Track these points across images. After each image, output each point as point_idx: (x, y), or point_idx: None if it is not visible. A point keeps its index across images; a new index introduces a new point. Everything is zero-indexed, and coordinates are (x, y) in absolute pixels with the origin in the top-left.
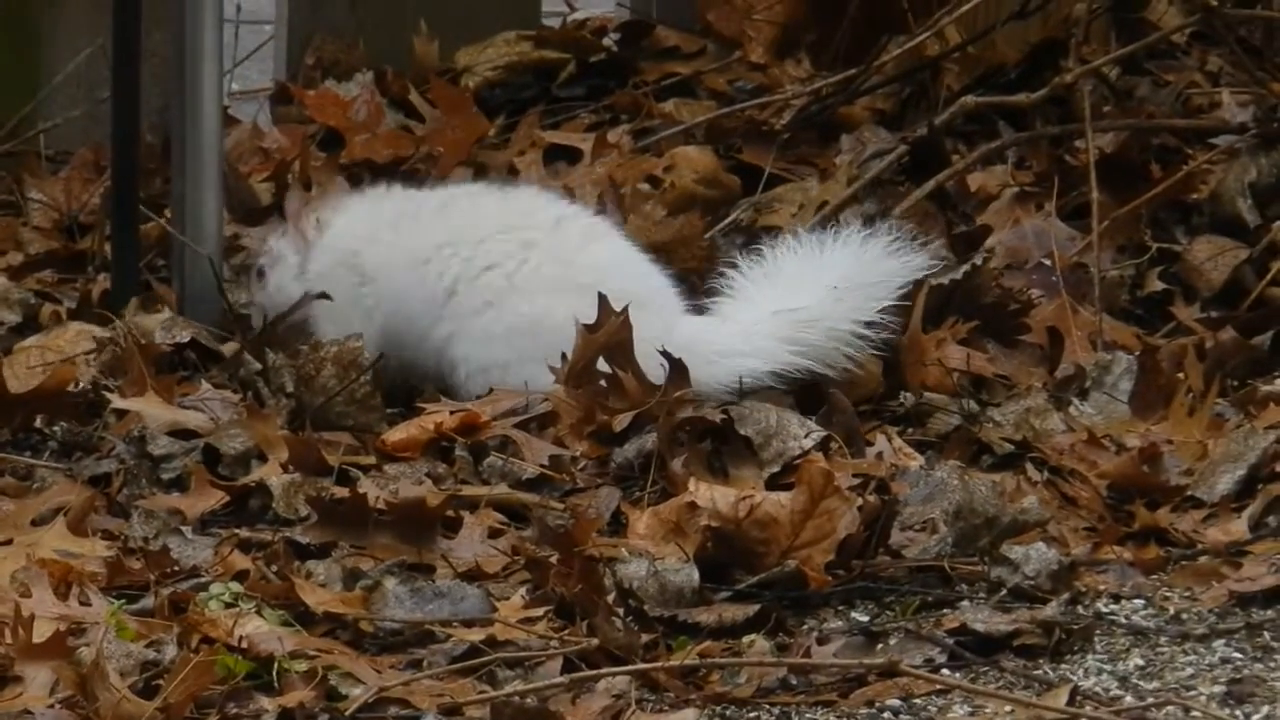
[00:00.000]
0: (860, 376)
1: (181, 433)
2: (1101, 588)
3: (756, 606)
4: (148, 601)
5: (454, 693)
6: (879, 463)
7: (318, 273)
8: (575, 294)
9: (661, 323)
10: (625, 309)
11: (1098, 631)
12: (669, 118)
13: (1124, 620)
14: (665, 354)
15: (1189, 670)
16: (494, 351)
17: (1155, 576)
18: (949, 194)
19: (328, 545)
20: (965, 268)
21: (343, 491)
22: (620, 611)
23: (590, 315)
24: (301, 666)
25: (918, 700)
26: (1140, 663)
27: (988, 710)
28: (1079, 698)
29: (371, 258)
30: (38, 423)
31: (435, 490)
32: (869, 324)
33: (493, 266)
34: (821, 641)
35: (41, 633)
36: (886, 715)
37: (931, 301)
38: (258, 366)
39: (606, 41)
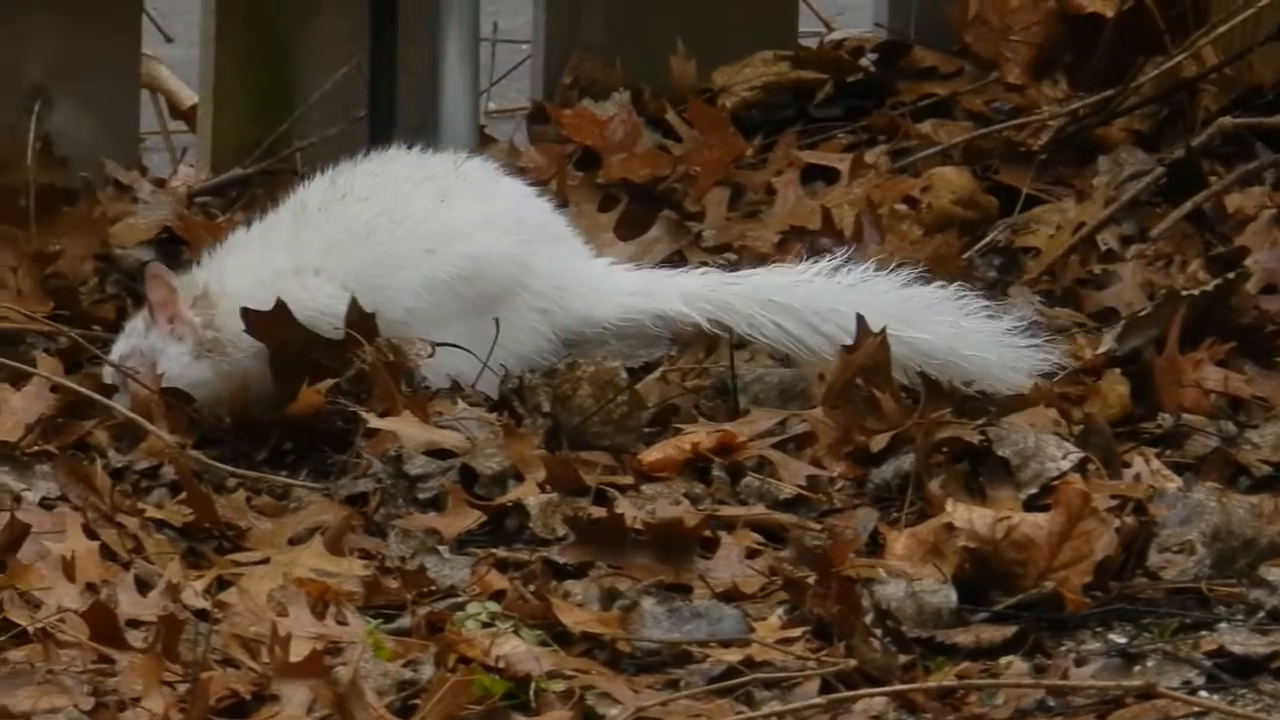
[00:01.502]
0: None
1: (438, 452)
2: None
3: (1014, 628)
4: (404, 621)
5: (711, 713)
6: (1136, 484)
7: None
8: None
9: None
10: (883, 331)
11: None
12: (926, 138)
13: None
14: (922, 375)
15: None
16: None
17: None
18: (1206, 215)
19: (585, 565)
20: (1217, 281)
21: (600, 511)
22: (878, 632)
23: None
24: (558, 686)
25: None
26: None
27: None
28: None
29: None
30: (288, 445)
31: (692, 510)
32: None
33: None
34: (1079, 663)
35: (298, 652)
36: None
37: (1187, 322)
38: (513, 386)
39: (864, 62)
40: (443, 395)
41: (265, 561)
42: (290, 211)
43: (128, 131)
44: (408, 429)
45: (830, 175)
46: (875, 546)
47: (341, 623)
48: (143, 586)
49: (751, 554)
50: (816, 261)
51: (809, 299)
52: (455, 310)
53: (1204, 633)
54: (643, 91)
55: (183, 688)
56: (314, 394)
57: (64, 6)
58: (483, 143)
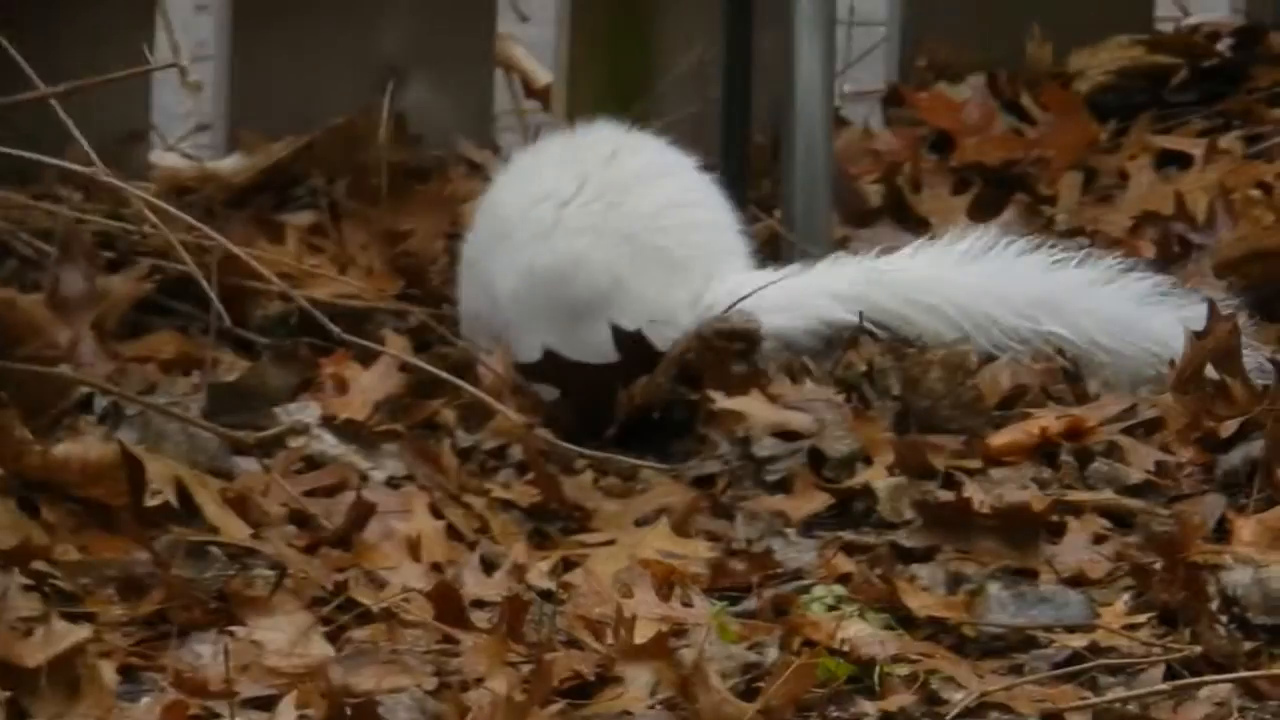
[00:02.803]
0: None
1: (786, 434)
2: None
3: None
4: (750, 603)
5: (1055, 698)
6: None
7: None
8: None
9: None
10: (1233, 315)
11: None
12: None
13: None
14: (1275, 362)
15: None
16: None
17: None
18: None
19: (931, 549)
20: None
21: (947, 495)
22: (1223, 619)
23: None
24: (903, 670)
25: None
26: None
27: None
28: None
29: None
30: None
31: (1039, 495)
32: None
33: None
34: None
35: (643, 633)
36: None
37: None
38: (863, 368)
39: (1220, 47)
40: (782, 375)
41: (611, 543)
42: None
43: (481, 110)
44: (756, 409)
45: (1184, 160)
46: (1222, 533)
47: (687, 605)
48: (488, 567)
49: (1098, 539)
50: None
51: (950, 298)
52: (543, 309)
53: None
54: (997, 75)
55: (526, 668)
56: (637, 398)
57: None
58: (837, 125)
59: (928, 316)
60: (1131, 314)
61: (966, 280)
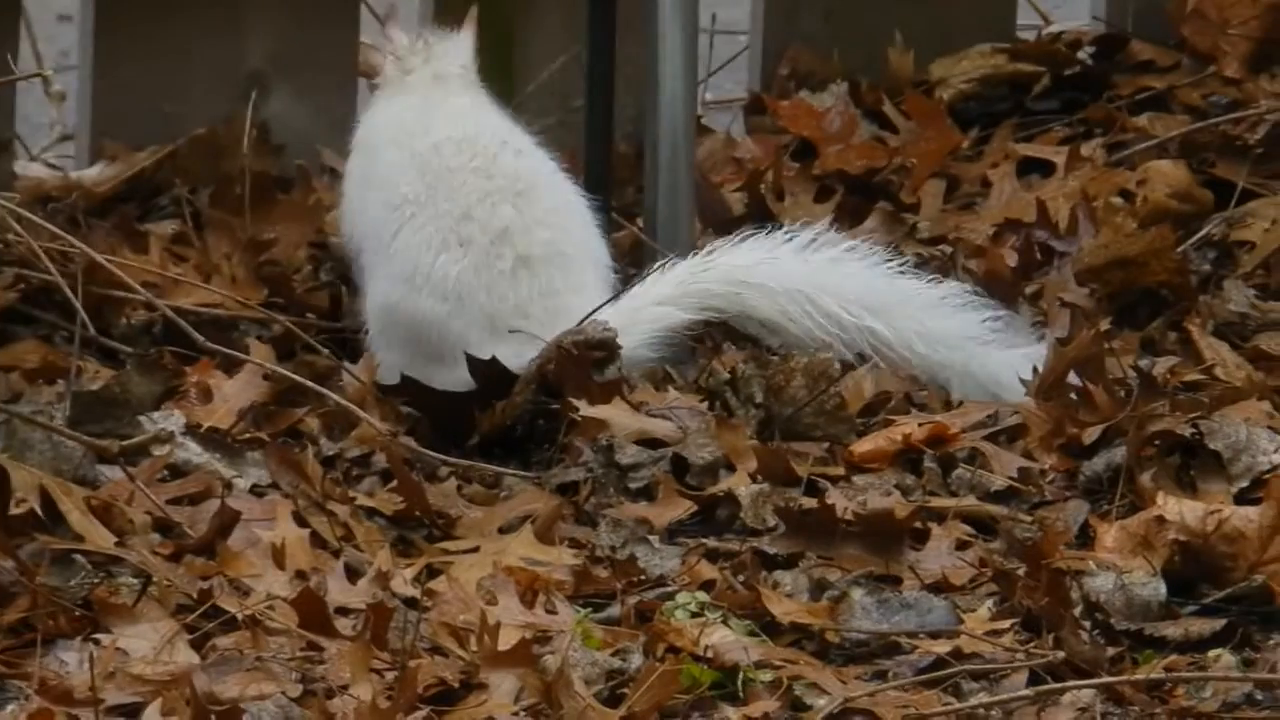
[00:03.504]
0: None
1: (649, 442)
2: None
3: (1223, 621)
4: (614, 610)
5: (919, 704)
6: None
7: None
8: None
9: None
10: (1098, 325)
11: None
12: (1142, 132)
13: None
14: (1137, 368)
15: None
16: None
17: None
18: None
19: (795, 556)
20: None
21: (811, 502)
22: (1087, 624)
23: None
24: (767, 676)
25: None
26: None
27: None
28: None
29: None
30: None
31: (903, 501)
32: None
33: None
34: None
35: (507, 640)
36: None
37: None
38: (726, 376)
39: (1081, 55)
40: (647, 383)
41: (475, 550)
42: None
43: (344, 119)
44: (618, 417)
45: (1046, 168)
46: (1085, 539)
47: (551, 611)
48: (352, 574)
49: (961, 545)
50: (788, 235)
51: (776, 278)
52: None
53: None
54: (860, 83)
55: (391, 675)
56: (496, 418)
57: None
58: (700, 133)
59: (755, 294)
60: (959, 336)
61: (794, 266)
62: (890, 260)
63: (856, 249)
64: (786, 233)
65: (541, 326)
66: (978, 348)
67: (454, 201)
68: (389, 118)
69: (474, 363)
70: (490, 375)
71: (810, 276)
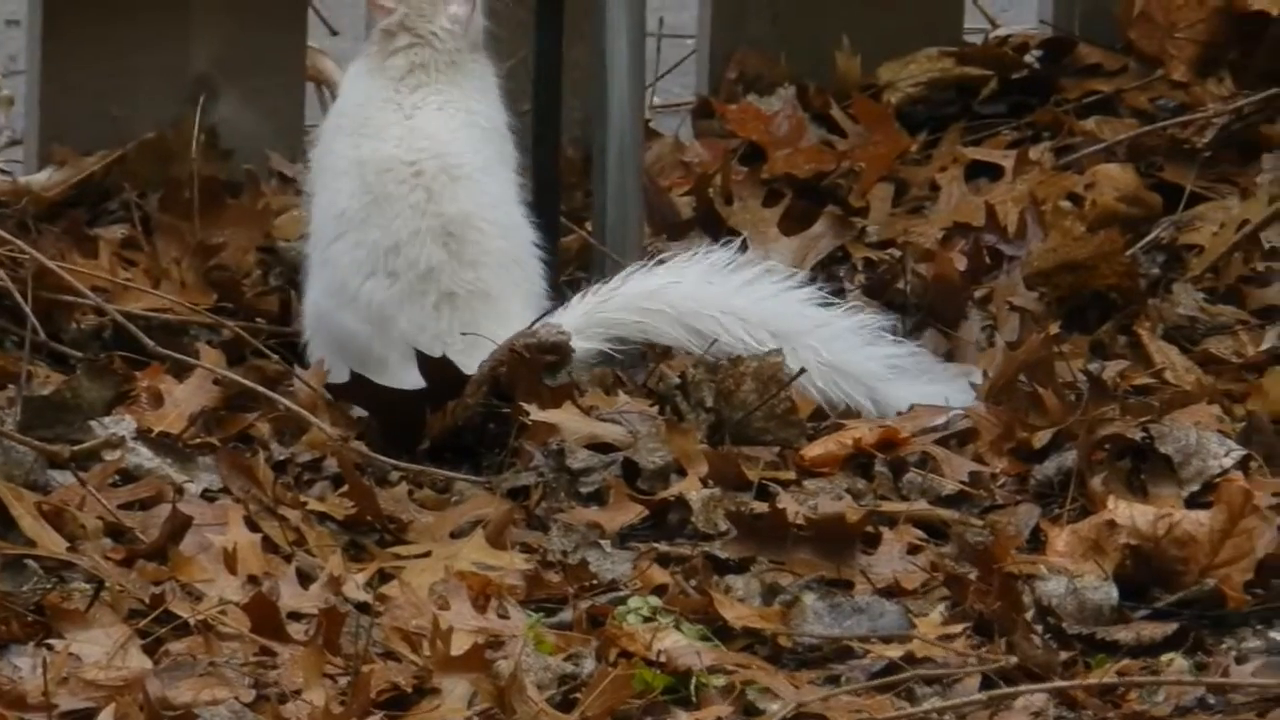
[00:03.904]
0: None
1: (599, 446)
2: None
3: (1175, 625)
4: (566, 615)
5: (871, 709)
6: None
7: None
8: None
9: None
10: (1047, 329)
11: None
12: (1090, 135)
13: None
14: (1087, 372)
15: None
16: None
17: None
18: None
19: (746, 560)
20: None
21: (762, 507)
22: (1039, 629)
23: None
24: (719, 681)
25: None
26: None
27: None
28: None
29: None
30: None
31: (854, 506)
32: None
33: None
34: (1240, 661)
35: (459, 645)
36: None
37: None
38: (676, 380)
39: (1028, 59)
40: (598, 388)
41: (427, 555)
42: None
43: (292, 124)
44: (569, 422)
45: (994, 172)
46: (1037, 543)
47: (503, 616)
48: (304, 579)
49: (913, 550)
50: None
51: (677, 304)
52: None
53: None
54: (807, 87)
55: (344, 680)
56: (447, 419)
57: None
58: (648, 137)
59: (657, 320)
60: (861, 369)
61: (698, 290)
62: (805, 286)
63: (772, 272)
64: (700, 254)
65: (460, 355)
66: (877, 383)
67: (386, 232)
68: (354, 102)
69: (424, 360)
70: (440, 374)
71: (715, 300)
